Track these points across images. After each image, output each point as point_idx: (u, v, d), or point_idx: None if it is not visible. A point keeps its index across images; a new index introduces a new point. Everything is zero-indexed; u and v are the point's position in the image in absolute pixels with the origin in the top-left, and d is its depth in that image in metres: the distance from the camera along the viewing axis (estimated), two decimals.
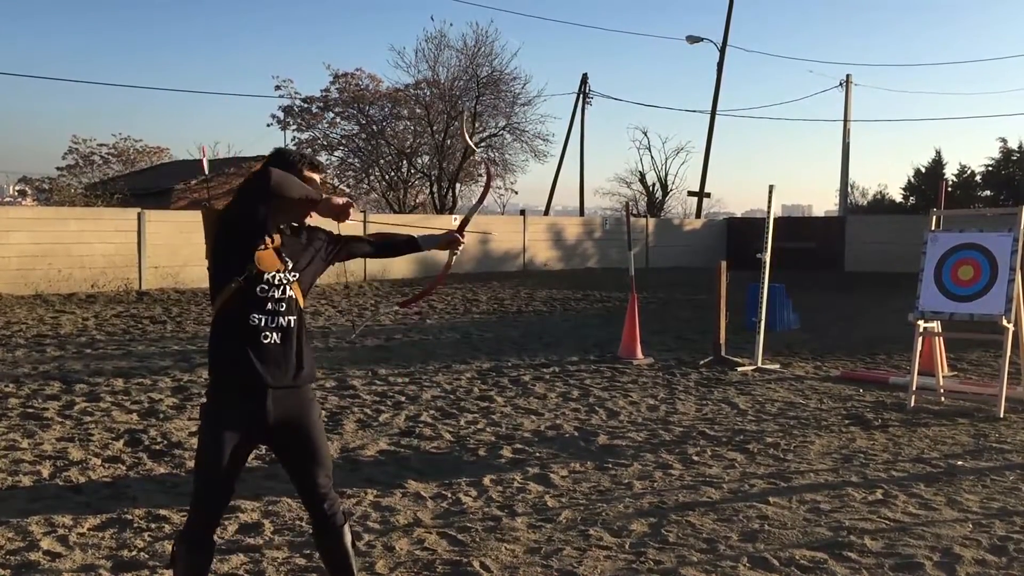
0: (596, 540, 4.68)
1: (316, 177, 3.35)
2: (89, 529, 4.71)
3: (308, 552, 4.43)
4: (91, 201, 26.83)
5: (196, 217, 19.96)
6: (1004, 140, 38.44)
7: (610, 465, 6.15)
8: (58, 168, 38.24)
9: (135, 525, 4.77)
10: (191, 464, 5.94)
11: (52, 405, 7.64)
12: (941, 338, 9.31)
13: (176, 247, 18.89)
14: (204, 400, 3.28)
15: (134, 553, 4.38)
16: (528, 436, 6.98)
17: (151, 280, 18.53)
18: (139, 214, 18.66)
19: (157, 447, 6.40)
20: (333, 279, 20.19)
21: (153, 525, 4.78)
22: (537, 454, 6.44)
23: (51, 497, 5.24)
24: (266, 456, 6.20)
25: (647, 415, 7.79)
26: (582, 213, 37.81)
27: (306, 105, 33.17)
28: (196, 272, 18.93)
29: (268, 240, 3.18)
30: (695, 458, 6.35)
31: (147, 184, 31.56)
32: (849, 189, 37.99)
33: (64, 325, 13.00)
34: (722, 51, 36.04)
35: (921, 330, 8.56)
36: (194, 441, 6.55)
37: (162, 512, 4.96)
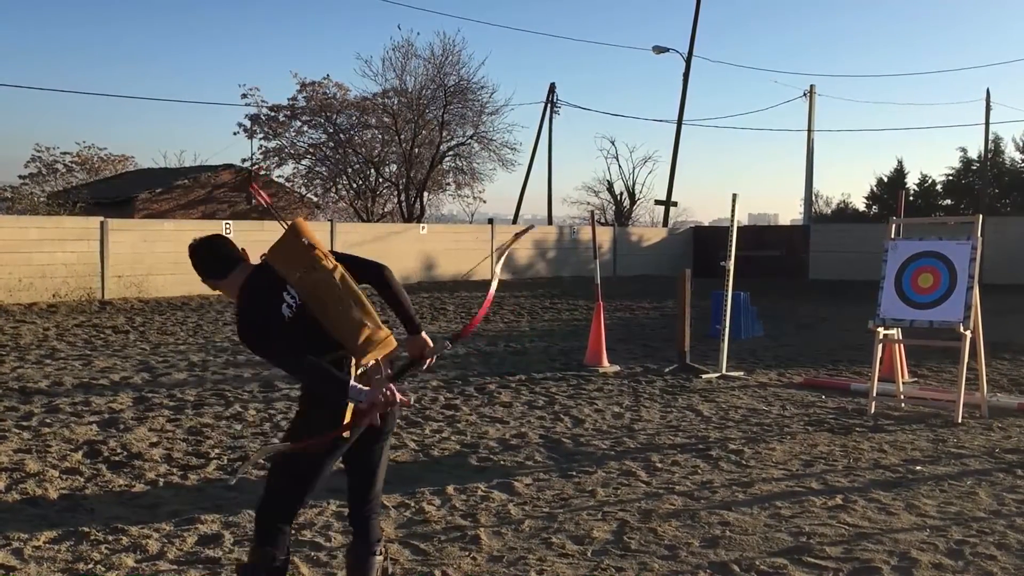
0: (558, 548, 4.69)
1: None
2: (45, 542, 4.63)
3: None
4: (53, 210, 26.50)
5: (159, 226, 19.91)
6: (964, 150, 39.06)
7: (574, 473, 6.17)
8: (21, 176, 37.74)
9: (92, 538, 4.70)
10: (151, 475, 5.89)
11: (10, 416, 7.52)
12: (901, 345, 9.44)
13: (139, 256, 18.70)
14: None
15: (90, 566, 4.32)
16: (493, 444, 6.97)
17: (114, 289, 18.31)
18: (101, 223, 18.44)
19: (117, 458, 6.31)
20: None
21: (111, 538, 4.71)
22: (501, 462, 6.44)
23: (6, 510, 5.15)
24: (227, 467, 6.16)
25: (612, 423, 7.81)
26: (550, 222, 37.90)
27: (273, 114, 32.98)
28: (159, 281, 18.75)
29: None
30: (659, 465, 6.38)
31: (111, 193, 31.25)
32: (813, 198, 38.46)
33: (24, 335, 12.80)
34: (688, 61, 36.36)
35: (881, 337, 8.68)
36: (155, 452, 6.48)
37: (120, 525, 4.90)
